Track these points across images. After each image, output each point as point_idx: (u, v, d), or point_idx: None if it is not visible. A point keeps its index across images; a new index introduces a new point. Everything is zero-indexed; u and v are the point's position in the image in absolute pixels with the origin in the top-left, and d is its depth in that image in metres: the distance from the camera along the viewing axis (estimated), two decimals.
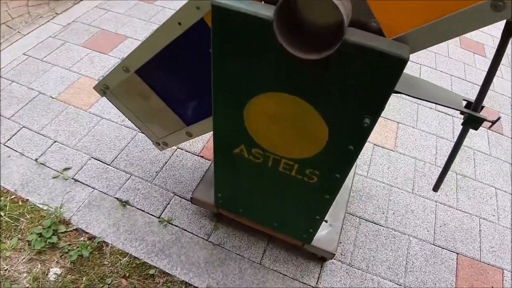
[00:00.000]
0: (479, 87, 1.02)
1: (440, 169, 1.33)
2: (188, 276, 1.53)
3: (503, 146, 2.26)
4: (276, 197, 1.31)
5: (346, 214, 1.74)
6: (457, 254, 1.72)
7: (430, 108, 2.44)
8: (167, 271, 1.53)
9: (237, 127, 1.09)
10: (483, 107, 1.08)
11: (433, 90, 1.11)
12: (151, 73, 1.21)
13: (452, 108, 1.08)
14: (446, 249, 1.73)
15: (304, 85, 0.88)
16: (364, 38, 0.75)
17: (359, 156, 1.07)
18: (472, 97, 1.08)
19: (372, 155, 2.09)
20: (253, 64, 0.89)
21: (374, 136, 2.19)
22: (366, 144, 1.38)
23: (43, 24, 2.66)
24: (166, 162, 1.90)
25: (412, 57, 1.46)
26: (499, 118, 1.10)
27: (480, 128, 1.12)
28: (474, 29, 0.72)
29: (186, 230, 1.66)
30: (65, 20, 2.73)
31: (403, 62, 0.74)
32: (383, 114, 1.04)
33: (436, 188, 1.38)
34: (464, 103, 1.11)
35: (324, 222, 1.37)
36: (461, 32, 0.73)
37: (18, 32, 2.57)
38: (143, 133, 1.50)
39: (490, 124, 1.08)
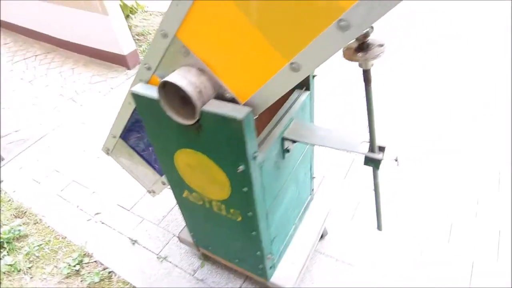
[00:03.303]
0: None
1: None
2: None
3: None
4: (226, 235, 1.54)
5: (318, 253, 1.85)
6: None
7: None
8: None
9: (175, 176, 1.39)
10: (384, 148, 1.19)
11: (330, 135, 1.27)
12: (128, 137, 1.61)
13: (348, 151, 1.22)
14: None
15: (195, 142, 1.16)
16: (216, 106, 1.02)
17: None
18: None
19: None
20: (164, 128, 1.21)
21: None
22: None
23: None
24: (172, 208, 2.26)
25: None
26: (396, 159, 1.20)
27: None
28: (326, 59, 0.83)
29: (177, 266, 1.93)
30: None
31: (238, 121, 0.98)
32: None
33: (379, 227, 1.45)
34: (366, 144, 1.23)
35: (270, 258, 1.52)
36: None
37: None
38: (139, 183, 1.90)
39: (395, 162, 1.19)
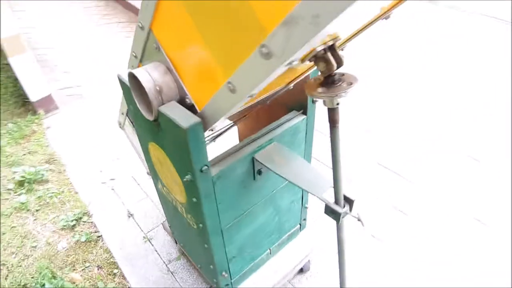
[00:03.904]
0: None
1: None
2: (137, 286, 1.81)
3: None
4: (190, 238, 1.50)
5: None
6: None
7: None
8: (125, 275, 1.85)
9: (151, 166, 1.39)
10: (352, 201, 1.05)
11: (302, 170, 1.14)
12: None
13: (313, 194, 1.09)
14: None
15: (158, 138, 1.14)
16: (170, 109, 0.98)
17: None
18: None
19: None
20: (139, 117, 1.21)
21: None
22: None
23: None
24: None
25: None
26: (359, 219, 1.04)
27: None
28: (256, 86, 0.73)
29: (156, 251, 1.96)
30: None
31: (183, 130, 0.93)
32: None
33: (342, 285, 1.29)
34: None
35: (225, 276, 1.45)
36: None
37: None
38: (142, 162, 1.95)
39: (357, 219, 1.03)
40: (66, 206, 2.22)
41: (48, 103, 2.97)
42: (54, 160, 2.54)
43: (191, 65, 0.92)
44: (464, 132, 2.63)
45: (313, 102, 1.29)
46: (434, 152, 2.47)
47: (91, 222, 2.13)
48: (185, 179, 1.05)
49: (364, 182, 2.28)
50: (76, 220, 2.12)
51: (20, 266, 1.80)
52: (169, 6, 0.84)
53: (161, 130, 1.06)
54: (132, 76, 1.02)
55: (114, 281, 1.82)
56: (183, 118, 0.93)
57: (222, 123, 1.03)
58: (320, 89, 0.80)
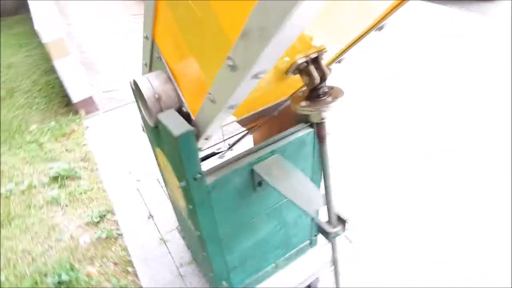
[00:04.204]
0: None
1: None
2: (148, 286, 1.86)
3: None
4: (195, 243, 1.51)
5: None
6: None
7: None
8: (138, 274, 1.91)
9: (160, 169, 1.43)
10: (345, 221, 1.00)
11: (298, 186, 1.10)
12: None
13: (306, 212, 1.05)
14: None
15: (161, 144, 1.17)
16: (166, 116, 1.00)
17: None
18: None
19: None
20: (147, 124, 1.25)
21: None
22: None
23: None
24: None
25: None
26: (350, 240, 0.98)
27: None
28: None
29: (170, 254, 2.00)
30: None
31: (175, 138, 0.94)
32: None
33: None
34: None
35: (224, 286, 1.43)
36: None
37: None
38: None
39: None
40: (93, 203, 2.35)
41: (89, 104, 3.18)
42: (89, 158, 2.70)
43: (184, 73, 0.94)
44: (469, 133, 2.57)
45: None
46: (438, 151, 2.46)
47: (114, 220, 2.23)
48: (181, 186, 1.07)
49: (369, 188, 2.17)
50: (100, 217, 2.23)
51: (44, 256, 1.93)
52: (162, 14, 0.87)
53: (161, 136, 1.09)
54: (135, 84, 1.06)
55: (127, 279, 1.88)
56: (176, 126, 0.95)
57: (215, 133, 1.03)
58: (303, 103, 0.78)
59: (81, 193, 2.39)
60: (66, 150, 2.78)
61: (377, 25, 0.75)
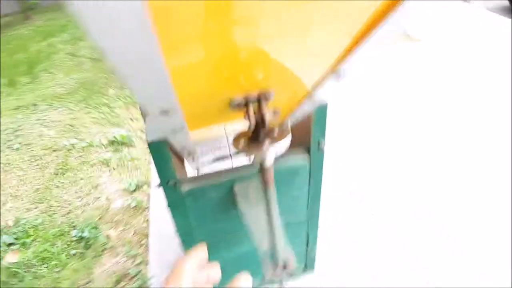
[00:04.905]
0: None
1: None
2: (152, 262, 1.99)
3: None
4: None
5: None
6: None
7: None
8: (149, 249, 2.05)
9: None
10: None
11: (261, 221, 1.03)
12: None
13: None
14: None
15: None
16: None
17: None
18: None
19: None
20: None
21: None
22: None
23: None
24: None
25: None
26: None
27: None
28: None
29: None
30: None
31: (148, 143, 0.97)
32: None
33: None
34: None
35: None
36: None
37: None
38: None
39: None
40: (136, 172, 2.57)
41: None
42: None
43: None
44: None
45: (319, 144, 1.16)
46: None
47: (147, 193, 2.41)
48: (156, 186, 1.10)
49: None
50: (137, 186, 2.43)
51: (79, 210, 2.19)
52: None
53: None
54: None
55: (138, 251, 2.03)
56: (152, 132, 0.97)
57: (191, 147, 1.02)
58: (242, 141, 0.73)
59: (129, 160, 2.63)
60: (131, 119, 3.07)
61: (333, 71, 0.66)
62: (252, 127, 0.67)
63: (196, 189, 1.11)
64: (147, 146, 0.96)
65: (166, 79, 0.39)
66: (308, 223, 1.41)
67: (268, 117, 0.68)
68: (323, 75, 0.68)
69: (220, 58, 0.52)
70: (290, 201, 1.29)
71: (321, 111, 1.07)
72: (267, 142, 0.70)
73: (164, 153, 0.99)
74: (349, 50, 0.58)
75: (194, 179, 1.14)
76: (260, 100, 0.67)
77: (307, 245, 1.50)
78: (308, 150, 1.18)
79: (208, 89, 0.64)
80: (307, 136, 1.15)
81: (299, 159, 1.18)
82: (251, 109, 0.67)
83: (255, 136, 0.72)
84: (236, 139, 0.75)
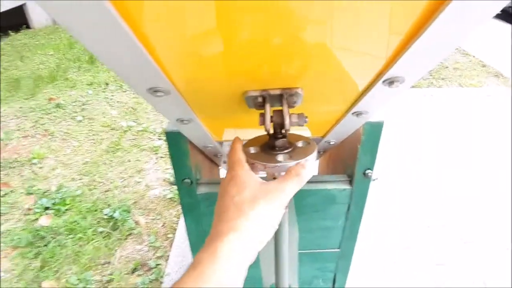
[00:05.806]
0: None
1: None
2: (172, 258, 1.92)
3: None
4: None
5: None
6: None
7: None
8: (174, 243, 1.98)
9: None
10: None
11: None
12: None
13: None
14: None
15: None
16: None
17: None
18: None
19: None
20: None
21: None
22: None
23: None
24: None
25: None
26: None
27: None
28: None
29: None
30: None
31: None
32: None
33: None
34: None
35: None
36: None
37: None
38: None
39: None
40: None
41: None
42: None
43: None
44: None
45: (364, 174, 0.97)
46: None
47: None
48: (171, 181, 1.01)
49: None
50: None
51: (117, 190, 2.22)
52: None
53: None
54: None
55: (163, 243, 1.99)
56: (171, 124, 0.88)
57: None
58: (253, 149, 0.59)
59: None
60: None
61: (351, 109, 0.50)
62: (267, 129, 0.54)
63: (213, 194, 1.00)
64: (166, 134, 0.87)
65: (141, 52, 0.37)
66: (338, 262, 1.22)
67: (289, 123, 0.53)
68: (372, 80, 0.52)
69: (243, 41, 0.41)
70: (317, 232, 1.12)
71: (374, 130, 0.88)
72: (281, 156, 0.55)
73: (181, 147, 0.89)
74: (400, 51, 0.43)
75: (214, 182, 1.03)
76: (282, 99, 0.53)
77: (333, 283, 1.30)
78: (350, 177, 0.99)
79: (222, 76, 0.52)
80: (351, 159, 0.97)
81: (339, 187, 1.00)
82: (268, 108, 0.53)
83: (269, 146, 0.58)
84: (251, 142, 0.62)
